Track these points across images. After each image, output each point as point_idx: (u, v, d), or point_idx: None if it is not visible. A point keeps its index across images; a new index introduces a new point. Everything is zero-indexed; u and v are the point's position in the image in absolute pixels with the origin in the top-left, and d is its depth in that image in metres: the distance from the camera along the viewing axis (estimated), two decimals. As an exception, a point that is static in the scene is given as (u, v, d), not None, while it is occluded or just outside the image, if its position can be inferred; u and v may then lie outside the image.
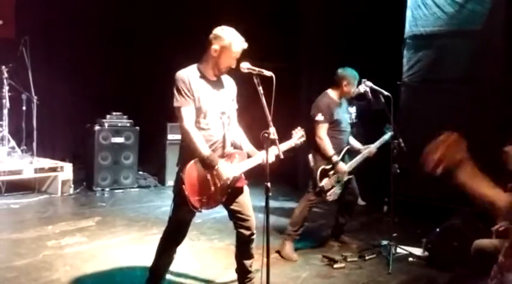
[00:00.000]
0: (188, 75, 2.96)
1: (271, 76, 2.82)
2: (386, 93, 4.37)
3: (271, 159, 2.91)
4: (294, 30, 7.46)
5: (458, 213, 4.35)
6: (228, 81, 3.15)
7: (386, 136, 4.50)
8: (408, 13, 5.86)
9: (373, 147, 4.46)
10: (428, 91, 5.74)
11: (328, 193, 4.26)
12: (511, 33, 5.13)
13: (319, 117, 4.24)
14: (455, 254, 3.82)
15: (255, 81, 2.85)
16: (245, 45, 2.98)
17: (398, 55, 5.95)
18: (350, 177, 4.42)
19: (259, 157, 3.04)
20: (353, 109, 6.22)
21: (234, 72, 3.08)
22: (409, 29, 5.87)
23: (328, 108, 4.28)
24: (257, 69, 2.88)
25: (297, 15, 7.49)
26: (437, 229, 4.24)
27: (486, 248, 2.74)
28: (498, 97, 5.16)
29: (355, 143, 4.61)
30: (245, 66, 2.89)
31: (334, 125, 4.32)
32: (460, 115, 5.24)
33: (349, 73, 4.35)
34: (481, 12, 5.37)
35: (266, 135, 2.78)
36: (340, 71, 4.39)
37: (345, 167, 4.28)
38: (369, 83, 4.41)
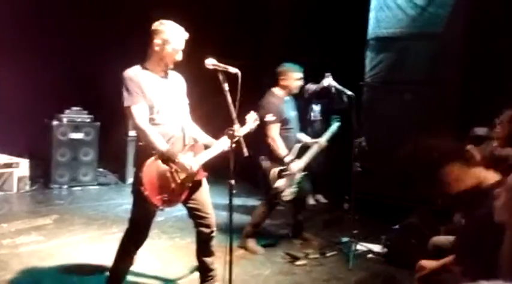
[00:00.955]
0: (136, 72, 2.92)
1: (237, 73, 2.81)
2: (349, 92, 4.43)
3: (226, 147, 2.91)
4: (257, 28, 7.47)
5: (416, 211, 4.47)
6: (176, 76, 3.12)
7: (334, 127, 4.54)
8: (371, 15, 5.95)
9: (322, 141, 4.46)
10: (390, 92, 5.86)
11: (283, 194, 4.22)
12: (470, 36, 5.29)
13: (270, 117, 4.13)
14: (413, 251, 3.92)
15: (220, 78, 2.82)
16: (186, 35, 2.96)
17: (362, 55, 6.05)
18: (305, 173, 4.40)
19: (217, 147, 3.03)
20: (317, 107, 6.29)
21: (187, 68, 3.05)
22: (372, 30, 5.96)
23: (277, 107, 4.23)
24: (222, 65, 2.86)
25: (260, 13, 7.50)
26: (396, 227, 4.35)
27: (442, 245, 2.82)
28: (457, 98, 5.34)
29: (304, 137, 4.58)
30: (210, 63, 2.87)
31: (284, 124, 4.28)
32: (421, 115, 5.39)
33: (286, 68, 4.34)
34: (442, 15, 5.50)
35: (231, 132, 2.77)
36: (278, 67, 4.38)
37: (297, 167, 4.23)
38: (334, 83, 4.45)
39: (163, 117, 2.96)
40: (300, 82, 4.40)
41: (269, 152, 4.18)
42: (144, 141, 2.90)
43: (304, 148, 4.44)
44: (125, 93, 2.88)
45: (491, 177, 1.84)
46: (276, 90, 4.36)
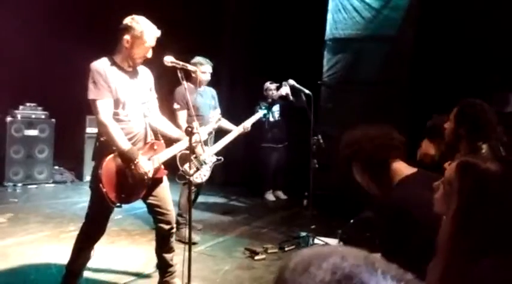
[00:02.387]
0: (104, 66, 2.87)
1: (195, 71, 2.85)
2: (307, 91, 4.54)
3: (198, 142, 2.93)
4: (218, 26, 7.50)
5: (370, 206, 4.64)
6: (144, 71, 3.11)
7: (258, 114, 4.71)
8: (329, 16, 6.11)
9: (243, 127, 4.54)
10: (345, 92, 6.05)
11: (194, 176, 4.25)
12: (419, 40, 5.56)
13: (175, 105, 4.40)
14: (366, 244, 4.07)
15: (179, 75, 2.86)
16: (158, 33, 2.92)
17: (320, 55, 6.21)
18: (218, 158, 4.43)
19: (179, 145, 3.06)
20: (276, 108, 6.41)
21: (156, 63, 3.06)
22: (329, 31, 6.12)
23: (183, 96, 4.29)
24: (181, 63, 2.90)
25: (221, 12, 7.54)
26: (351, 221, 4.51)
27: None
28: (405, 97, 5.59)
29: (226, 123, 4.66)
30: (169, 60, 2.89)
31: (191, 111, 4.41)
32: (373, 114, 5.60)
33: (194, 61, 4.46)
34: (396, 18, 5.75)
35: (190, 129, 2.80)
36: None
37: (204, 151, 4.23)
38: (292, 81, 4.56)
39: (129, 112, 2.94)
40: (207, 76, 4.58)
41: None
42: (105, 136, 2.88)
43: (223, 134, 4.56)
44: (91, 86, 2.84)
45: (405, 170, 1.98)
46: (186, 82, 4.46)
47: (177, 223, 4.38)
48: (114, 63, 2.92)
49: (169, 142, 3.20)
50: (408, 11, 5.70)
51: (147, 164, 2.93)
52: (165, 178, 3.16)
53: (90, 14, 7.27)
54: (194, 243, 4.28)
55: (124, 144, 2.85)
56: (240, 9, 7.36)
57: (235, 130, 4.49)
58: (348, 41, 6.02)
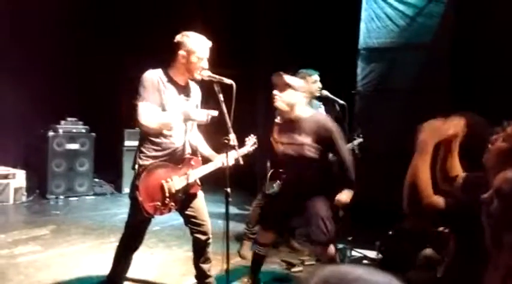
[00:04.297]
0: (158, 76, 2.97)
1: (231, 84, 2.89)
2: (341, 101, 4.50)
3: (231, 163, 2.96)
4: (251, 38, 7.57)
5: (409, 217, 4.53)
6: (194, 87, 3.18)
7: (353, 143, 4.61)
8: (362, 25, 6.08)
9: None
10: (380, 100, 5.97)
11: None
12: (457, 46, 5.44)
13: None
14: (406, 256, 3.98)
15: (216, 88, 2.90)
16: (209, 44, 3.01)
17: (354, 65, 6.16)
18: None
19: (217, 161, 3.09)
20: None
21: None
22: (363, 40, 6.09)
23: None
24: (218, 76, 2.94)
25: (254, 24, 7.61)
26: (390, 232, 4.42)
27: (432, 256, 2.83)
28: (445, 106, 5.45)
29: None
30: (206, 74, 2.95)
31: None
32: (410, 122, 5.48)
33: (302, 74, 4.34)
34: (431, 26, 5.66)
35: (226, 141, 2.83)
36: (295, 76, 4.43)
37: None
38: (325, 92, 4.52)
39: (173, 126, 3.01)
40: (318, 84, 4.42)
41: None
42: (154, 130, 2.93)
43: None
44: (140, 91, 2.91)
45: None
46: None
47: (244, 236, 4.48)
48: (167, 75, 3.00)
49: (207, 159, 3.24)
50: (443, 18, 5.60)
51: (178, 182, 3.01)
52: (200, 192, 3.20)
53: (130, 30, 7.47)
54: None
55: (173, 118, 2.92)
56: (273, 21, 7.41)
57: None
58: (382, 49, 5.96)
